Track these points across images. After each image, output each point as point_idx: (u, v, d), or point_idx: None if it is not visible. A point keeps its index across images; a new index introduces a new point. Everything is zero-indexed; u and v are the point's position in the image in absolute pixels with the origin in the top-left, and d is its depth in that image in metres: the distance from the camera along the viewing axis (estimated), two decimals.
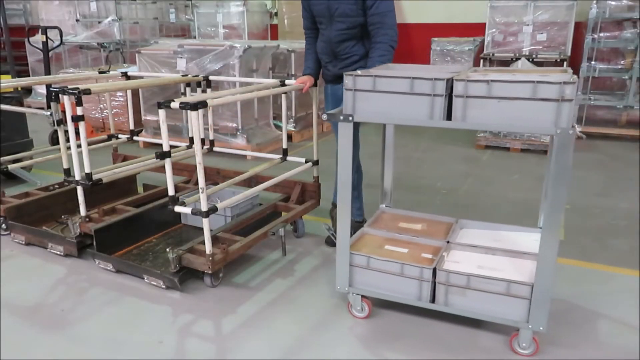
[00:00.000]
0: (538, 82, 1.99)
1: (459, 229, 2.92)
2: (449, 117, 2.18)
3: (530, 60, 6.38)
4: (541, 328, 2.23)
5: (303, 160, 3.60)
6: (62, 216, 3.49)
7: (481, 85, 2.08)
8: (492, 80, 2.06)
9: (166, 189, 2.77)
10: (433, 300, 2.44)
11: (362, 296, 2.60)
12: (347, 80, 2.30)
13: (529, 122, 2.05)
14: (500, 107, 2.06)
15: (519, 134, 5.79)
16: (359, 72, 2.33)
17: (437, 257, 2.52)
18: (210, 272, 2.78)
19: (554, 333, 2.46)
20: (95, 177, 3.08)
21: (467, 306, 2.38)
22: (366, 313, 2.62)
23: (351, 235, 2.61)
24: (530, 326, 2.25)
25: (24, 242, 3.45)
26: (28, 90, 9.29)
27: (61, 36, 6.60)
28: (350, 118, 2.33)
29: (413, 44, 8.29)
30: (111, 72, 4.40)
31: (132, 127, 4.36)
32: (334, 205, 3.40)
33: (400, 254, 2.63)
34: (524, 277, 2.33)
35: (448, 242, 2.71)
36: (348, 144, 2.38)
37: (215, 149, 4.08)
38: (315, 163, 3.57)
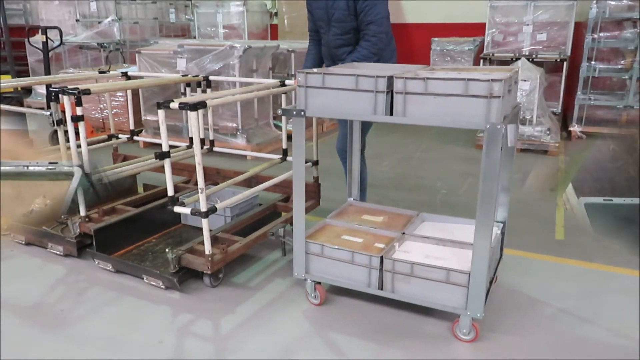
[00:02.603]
0: (469, 79, 2.08)
1: (419, 221, 3.01)
2: (391, 112, 2.28)
3: (530, 60, 6.37)
4: (478, 315, 2.34)
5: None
6: (62, 216, 3.49)
7: (418, 82, 2.18)
8: (428, 78, 2.16)
9: (166, 189, 2.77)
10: (381, 287, 2.53)
11: (316, 284, 2.69)
12: (300, 78, 2.43)
13: (463, 118, 2.15)
14: (436, 103, 2.18)
15: (520, 133, 5.78)
16: (313, 70, 2.45)
17: (388, 247, 2.60)
18: (209, 272, 2.78)
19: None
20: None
21: (411, 293, 2.48)
22: (319, 300, 2.71)
23: None
24: (468, 313, 2.35)
25: (24, 242, 3.45)
26: (28, 90, 9.28)
27: (61, 36, 6.59)
28: (303, 113, 2.46)
29: (413, 44, 8.28)
30: (111, 72, 4.40)
31: (132, 127, 4.36)
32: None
33: (354, 243, 2.72)
34: (466, 267, 2.37)
35: (403, 233, 2.79)
36: (301, 139, 2.50)
37: (215, 149, 4.08)
38: (315, 163, 3.57)
